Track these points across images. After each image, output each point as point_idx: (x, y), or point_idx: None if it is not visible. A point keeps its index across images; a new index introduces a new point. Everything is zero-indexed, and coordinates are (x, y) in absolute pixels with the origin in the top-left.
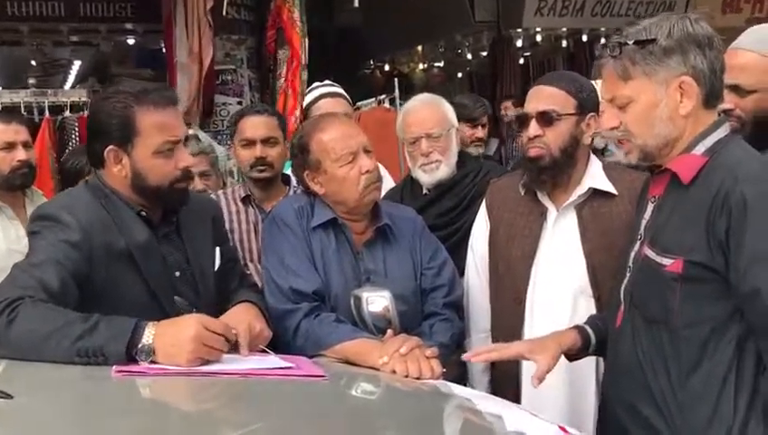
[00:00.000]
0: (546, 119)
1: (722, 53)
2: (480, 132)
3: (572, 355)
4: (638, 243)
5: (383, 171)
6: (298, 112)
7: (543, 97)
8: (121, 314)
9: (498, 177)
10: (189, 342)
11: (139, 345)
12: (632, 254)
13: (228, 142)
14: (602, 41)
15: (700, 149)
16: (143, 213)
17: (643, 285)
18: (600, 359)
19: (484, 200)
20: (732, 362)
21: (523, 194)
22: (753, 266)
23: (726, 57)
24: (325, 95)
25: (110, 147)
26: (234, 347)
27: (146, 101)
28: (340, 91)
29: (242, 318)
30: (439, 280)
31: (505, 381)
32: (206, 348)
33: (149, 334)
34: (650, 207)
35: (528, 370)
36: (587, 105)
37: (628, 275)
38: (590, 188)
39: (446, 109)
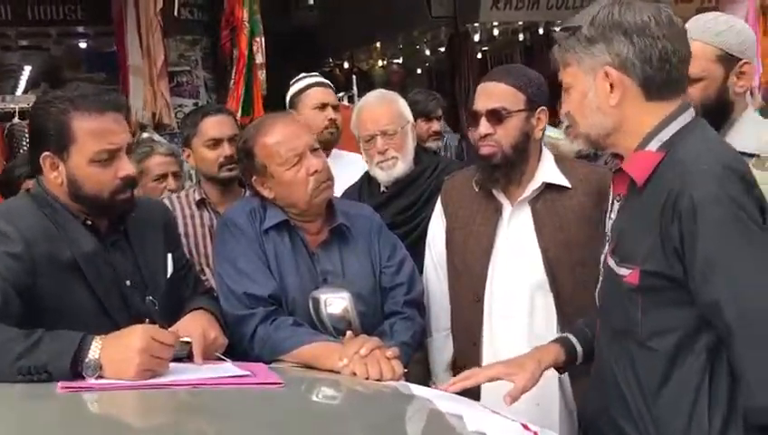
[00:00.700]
0: (496, 116)
1: (661, 39)
2: (436, 126)
3: (560, 368)
4: (607, 244)
5: (356, 158)
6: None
7: (492, 94)
8: (70, 326)
9: (454, 172)
10: (137, 354)
11: (86, 360)
12: (602, 257)
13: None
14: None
15: (655, 144)
16: (88, 222)
17: (607, 295)
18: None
19: (439, 198)
20: (704, 372)
21: (477, 190)
22: (708, 276)
23: None
24: (314, 84)
25: (46, 153)
26: (188, 356)
27: (83, 107)
28: (328, 81)
29: (195, 326)
30: (399, 278)
31: None
32: (156, 360)
33: (96, 349)
34: (615, 207)
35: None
36: (536, 99)
37: (600, 278)
38: (543, 183)
39: (400, 105)
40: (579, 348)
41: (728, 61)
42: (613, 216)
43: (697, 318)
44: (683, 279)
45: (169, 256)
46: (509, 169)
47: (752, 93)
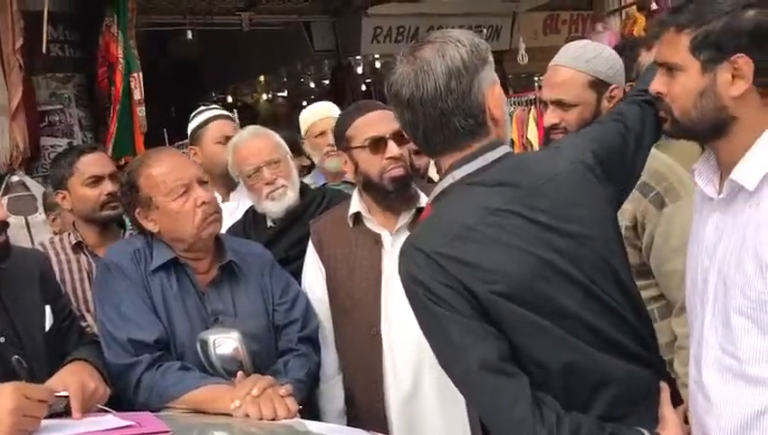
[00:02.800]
0: (403, 138)
1: None
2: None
3: None
4: None
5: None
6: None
7: (391, 118)
8: None
9: (338, 203)
10: (8, 415)
11: None
12: None
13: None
14: None
15: (433, 195)
16: None
17: None
18: None
19: (310, 243)
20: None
21: (352, 226)
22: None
23: (548, 74)
24: (216, 117)
25: None
26: (66, 411)
27: None
28: (225, 112)
29: (72, 379)
30: (292, 315)
31: (369, 419)
32: (29, 419)
33: None
34: None
35: (395, 404)
36: None
37: None
38: (416, 208)
39: (275, 136)
40: None
41: (599, 86)
42: None
43: None
44: None
45: (47, 308)
46: (409, 187)
47: None
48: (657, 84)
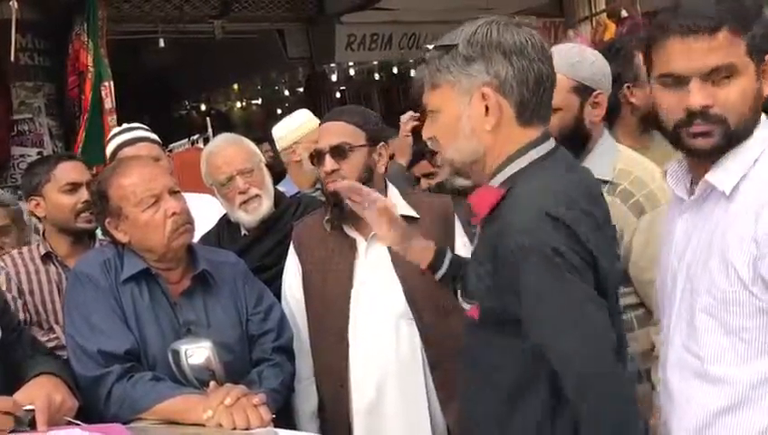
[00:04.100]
0: (339, 152)
1: (536, 62)
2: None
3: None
4: None
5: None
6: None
7: (334, 132)
8: None
9: (314, 210)
10: None
11: None
12: None
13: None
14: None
15: (499, 179)
16: None
17: (463, 328)
18: (432, 390)
19: (291, 245)
20: (546, 402)
21: (329, 230)
22: (531, 322)
23: None
24: (126, 143)
25: None
26: (31, 425)
27: None
28: (145, 134)
29: (39, 392)
30: (267, 325)
31: (336, 424)
32: None
33: None
34: (477, 234)
35: (359, 411)
36: (376, 135)
37: None
38: None
39: (249, 144)
40: (444, 267)
41: (583, 91)
42: (476, 242)
43: (536, 352)
44: (517, 316)
45: None
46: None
47: None
48: (702, 96)
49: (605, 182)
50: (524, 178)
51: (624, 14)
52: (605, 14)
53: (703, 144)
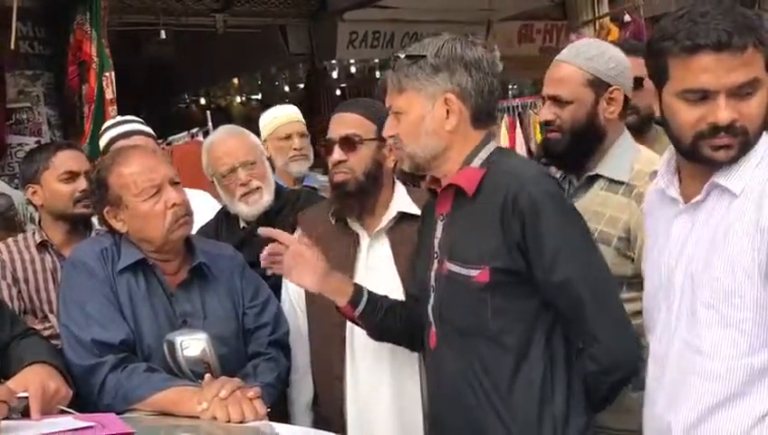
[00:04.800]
0: (349, 144)
1: (490, 76)
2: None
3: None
4: (436, 261)
5: (209, 199)
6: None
7: (345, 123)
8: None
9: (313, 204)
10: None
11: None
12: (432, 273)
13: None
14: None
15: (476, 162)
16: None
17: (451, 300)
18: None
19: (296, 234)
20: (546, 357)
21: (333, 223)
22: (557, 260)
23: (549, 70)
24: (120, 136)
25: None
26: (25, 412)
27: None
28: (139, 127)
29: (32, 379)
30: (263, 319)
31: (330, 417)
32: None
33: None
34: (440, 226)
35: (354, 401)
36: None
37: (432, 293)
38: (398, 212)
39: (252, 137)
40: (365, 295)
41: (598, 86)
42: (438, 234)
43: (536, 309)
44: (525, 272)
45: None
46: (362, 196)
47: None
48: (730, 112)
49: (620, 183)
50: (499, 161)
51: (627, 18)
52: (608, 18)
53: (724, 157)
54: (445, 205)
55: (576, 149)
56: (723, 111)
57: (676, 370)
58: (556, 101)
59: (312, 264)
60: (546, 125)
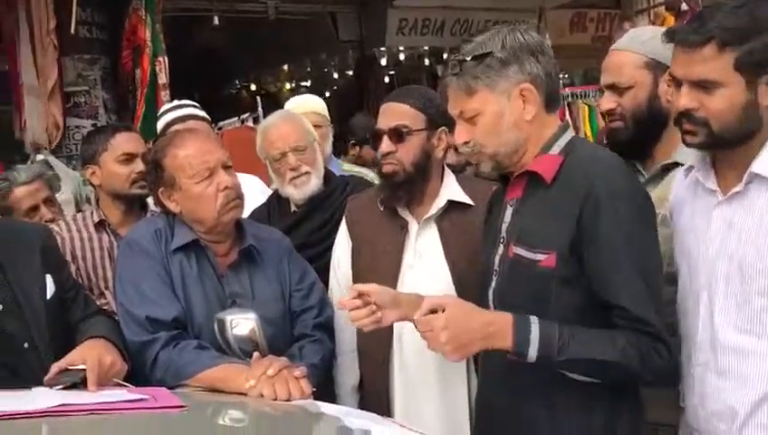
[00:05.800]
0: (398, 135)
1: (552, 57)
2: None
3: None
4: (502, 245)
5: (258, 183)
6: None
7: (394, 113)
8: None
9: (359, 192)
10: None
11: None
12: (496, 257)
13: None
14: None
15: (555, 149)
16: None
17: (515, 285)
18: (472, 369)
19: (344, 219)
20: None
21: (382, 210)
22: (611, 276)
23: (605, 60)
24: (177, 120)
25: None
26: (82, 383)
27: None
28: (194, 112)
29: (90, 352)
30: (308, 302)
31: (376, 400)
32: None
33: None
34: (509, 211)
35: (400, 385)
36: (437, 120)
37: (495, 277)
38: (448, 201)
39: (305, 122)
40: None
41: (656, 67)
42: (506, 219)
43: (596, 305)
44: (586, 266)
45: (48, 277)
46: (411, 186)
47: None
48: (687, 100)
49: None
50: (577, 148)
51: (684, 6)
52: (663, 7)
53: (690, 140)
54: (516, 190)
55: (640, 136)
56: (681, 98)
57: (732, 354)
58: (615, 88)
59: (395, 298)
60: (608, 114)
